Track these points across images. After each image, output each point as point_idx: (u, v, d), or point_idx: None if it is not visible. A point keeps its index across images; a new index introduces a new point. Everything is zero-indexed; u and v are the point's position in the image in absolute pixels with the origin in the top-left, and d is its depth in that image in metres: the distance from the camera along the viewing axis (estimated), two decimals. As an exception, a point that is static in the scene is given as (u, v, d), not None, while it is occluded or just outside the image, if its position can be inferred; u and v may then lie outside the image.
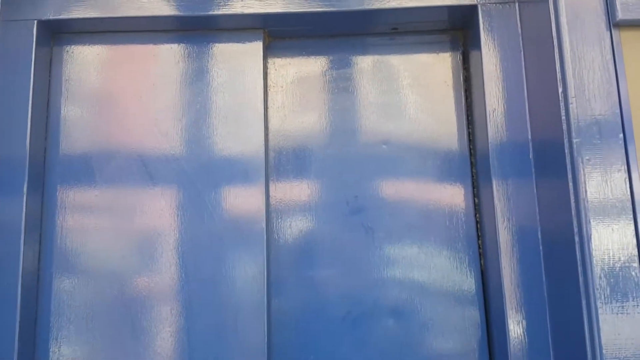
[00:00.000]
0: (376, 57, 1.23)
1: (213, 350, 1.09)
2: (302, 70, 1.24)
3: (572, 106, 0.93)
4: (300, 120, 1.22)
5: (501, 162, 1.07)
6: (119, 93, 1.20)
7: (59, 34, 1.21)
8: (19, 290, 1.05)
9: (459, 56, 1.23)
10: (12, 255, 1.06)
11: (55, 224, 1.15)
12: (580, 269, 0.88)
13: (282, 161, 1.20)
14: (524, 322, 1.02)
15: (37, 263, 1.13)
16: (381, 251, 1.16)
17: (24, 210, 1.08)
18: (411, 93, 1.22)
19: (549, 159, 0.99)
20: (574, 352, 0.92)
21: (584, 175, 0.90)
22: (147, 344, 1.10)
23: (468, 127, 1.20)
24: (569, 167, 0.92)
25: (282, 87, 1.23)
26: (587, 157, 0.91)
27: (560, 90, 0.94)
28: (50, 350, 1.10)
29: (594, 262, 0.88)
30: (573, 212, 0.90)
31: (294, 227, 1.17)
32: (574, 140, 0.92)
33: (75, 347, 1.11)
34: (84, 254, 1.14)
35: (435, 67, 1.23)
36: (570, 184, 0.91)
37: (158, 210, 1.15)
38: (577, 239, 0.90)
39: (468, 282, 1.14)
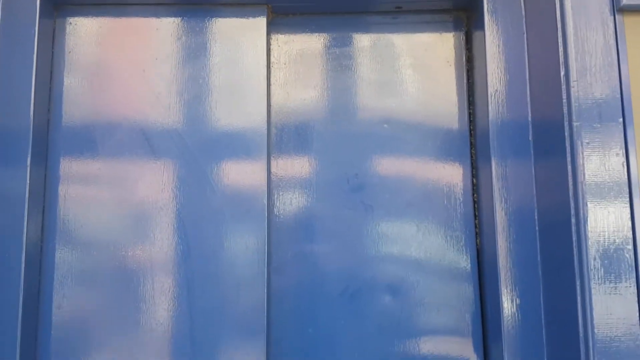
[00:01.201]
0: (379, 36, 1.24)
1: (213, 322, 1.11)
2: (305, 47, 1.24)
3: (574, 89, 0.94)
4: (303, 97, 1.22)
5: (501, 143, 1.08)
6: (121, 66, 1.20)
7: (62, 5, 1.21)
8: (23, 260, 1.06)
9: (462, 36, 1.23)
10: (16, 225, 1.07)
11: (58, 195, 1.16)
12: (575, 249, 0.91)
13: (283, 138, 1.21)
14: (518, 300, 1.04)
15: (41, 233, 1.14)
16: (380, 228, 1.18)
17: (28, 181, 1.08)
18: (413, 72, 1.22)
19: (549, 141, 1.00)
20: (566, 330, 0.94)
21: (583, 157, 0.92)
22: (148, 314, 1.12)
23: (469, 108, 1.21)
24: (568, 149, 0.93)
25: (285, 63, 1.23)
26: (587, 140, 0.92)
27: (562, 73, 0.95)
28: (53, 318, 1.12)
29: (589, 243, 0.90)
30: (570, 194, 0.92)
31: (294, 203, 1.19)
32: (574, 123, 0.93)
33: (78, 316, 1.12)
34: (86, 225, 1.15)
35: (438, 47, 1.23)
36: (569, 166, 0.93)
37: (160, 183, 1.16)
38: (573, 220, 0.91)
39: (464, 260, 1.16)
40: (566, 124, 0.94)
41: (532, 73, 1.07)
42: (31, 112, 1.10)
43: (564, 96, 0.95)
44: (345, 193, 1.19)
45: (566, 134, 0.93)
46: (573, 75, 0.94)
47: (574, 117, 0.93)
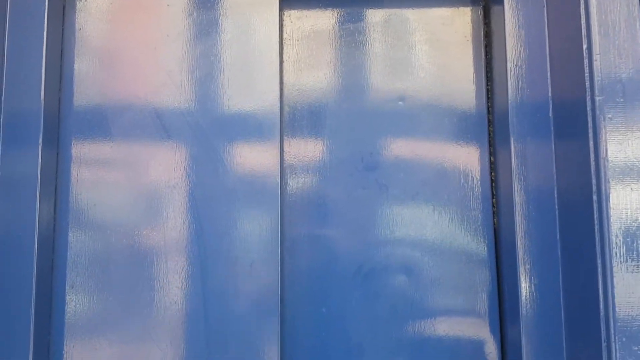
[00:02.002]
0: (394, 11, 1.21)
1: (227, 302, 1.10)
2: (318, 24, 1.21)
3: (597, 63, 0.91)
4: (316, 74, 1.20)
5: (520, 120, 1.05)
6: (132, 43, 1.18)
7: (71, -18, 1.19)
8: (36, 241, 1.06)
9: (479, 11, 1.20)
10: (29, 207, 1.07)
11: (70, 175, 1.15)
12: (597, 227, 0.88)
13: (296, 116, 1.19)
14: (536, 280, 1.02)
15: (54, 213, 1.14)
16: (394, 208, 1.16)
17: (40, 162, 1.08)
18: (429, 48, 1.19)
19: (570, 117, 0.97)
20: (586, 310, 0.92)
21: (605, 133, 0.89)
22: (161, 293, 1.11)
23: (487, 84, 1.18)
24: (590, 125, 0.90)
25: (297, 40, 1.21)
26: (610, 116, 0.89)
27: (584, 46, 0.92)
28: (67, 298, 1.12)
29: (611, 221, 0.87)
30: (592, 171, 0.89)
31: (308, 183, 1.17)
32: (597, 98, 0.90)
33: (91, 296, 1.12)
34: (99, 204, 1.14)
35: (455, 22, 1.20)
36: (591, 142, 0.90)
37: (172, 162, 1.15)
38: (595, 197, 0.89)
39: (481, 240, 1.14)
40: (589, 99, 0.91)
41: (552, 47, 1.04)
42: (42, 92, 1.09)
43: (586, 71, 0.92)
44: (359, 172, 1.17)
45: (588, 109, 0.91)
46: (596, 48, 0.91)
47: (596, 92, 0.90)
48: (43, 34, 1.10)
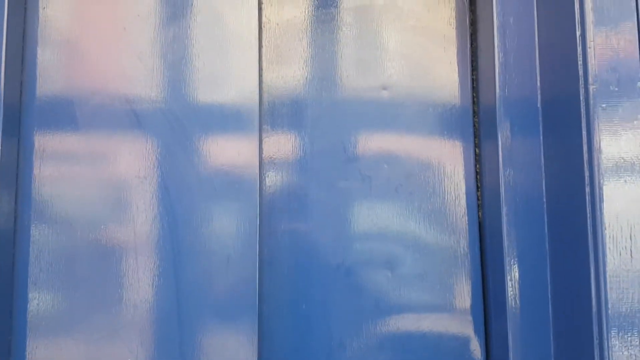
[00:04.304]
0: (377, -4, 1.16)
1: (202, 299, 1.05)
2: (299, 6, 1.16)
3: (590, 51, 0.88)
4: (296, 60, 1.14)
5: (507, 111, 1.02)
6: (100, 23, 1.11)
7: (34, -44, 1.11)
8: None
9: (465, -4, 1.16)
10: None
11: (33, 166, 1.08)
12: (589, 220, 0.86)
13: (276, 104, 1.14)
14: (523, 275, 1.00)
15: (14, 207, 1.06)
16: (377, 200, 1.12)
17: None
18: (414, 35, 1.15)
19: (560, 108, 0.95)
20: (576, 306, 0.90)
21: (599, 124, 0.87)
22: (131, 290, 1.05)
23: (472, 73, 1.14)
24: (583, 115, 0.88)
25: (277, 24, 1.15)
26: (603, 106, 0.87)
27: (578, 33, 0.89)
28: (29, 295, 1.05)
29: (605, 213, 0.85)
30: (585, 163, 0.87)
31: (288, 174, 1.12)
32: (590, 87, 0.87)
33: (56, 293, 1.05)
34: (64, 197, 1.07)
35: (439, 8, 1.16)
36: (584, 133, 0.87)
37: (143, 152, 1.08)
38: (588, 189, 0.86)
39: (465, 233, 1.11)
40: (582, 88, 0.88)
41: (541, 34, 1.01)
42: (1, 79, 1.00)
43: (580, 59, 0.89)
44: (341, 163, 1.12)
45: (581, 98, 0.88)
46: (590, 35, 0.88)
47: (590, 81, 0.87)
48: (3, 11, 1.02)
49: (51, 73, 1.09)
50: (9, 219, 1.05)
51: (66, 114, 1.09)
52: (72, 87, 1.10)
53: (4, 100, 1.01)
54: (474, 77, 1.14)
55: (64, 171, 1.08)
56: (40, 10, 1.11)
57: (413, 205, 1.12)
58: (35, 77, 1.09)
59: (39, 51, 1.10)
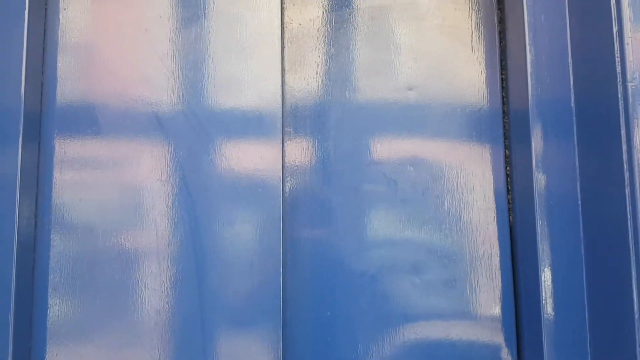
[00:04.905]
0: (402, -5, 1.14)
1: (226, 304, 1.02)
2: (322, 6, 1.14)
3: (629, 47, 0.84)
4: (319, 61, 1.12)
5: (539, 111, 0.99)
6: (121, 25, 1.09)
7: (55, -41, 1.10)
8: (15, 241, 0.97)
9: (494, -6, 1.13)
10: (8, 205, 0.98)
11: (53, 172, 1.06)
12: (630, 222, 0.82)
13: (299, 106, 1.11)
14: (558, 281, 0.96)
15: (35, 213, 1.05)
16: (403, 204, 1.09)
17: (20, 160, 0.99)
18: (440, 34, 1.12)
19: (596, 106, 0.91)
20: (615, 313, 0.86)
21: (639, 122, 0.83)
22: (153, 296, 1.03)
23: (501, 72, 1.11)
24: (621, 113, 0.84)
25: (300, 24, 1.13)
26: (644, 103, 0.83)
27: (615, 30, 0.86)
28: (49, 301, 1.04)
29: (647, 216, 0.81)
30: (624, 163, 0.83)
31: (311, 177, 1.10)
32: (629, 85, 0.84)
33: (76, 299, 1.04)
34: (84, 202, 1.06)
35: (467, 7, 1.13)
36: (623, 132, 0.84)
37: (166, 156, 1.06)
38: (627, 191, 0.83)
39: (496, 238, 1.08)
40: (620, 85, 0.84)
41: (574, 31, 0.98)
42: (22, 85, 0.99)
43: (617, 55, 0.85)
44: (366, 166, 1.10)
45: (619, 96, 0.84)
46: (627, 31, 0.85)
47: (628, 78, 0.84)
48: (24, 13, 1.00)
49: (72, 76, 1.08)
50: (30, 224, 1.03)
51: (87, 118, 1.08)
52: (92, 91, 1.08)
53: (24, 104, 1.00)
54: (503, 76, 1.11)
55: (84, 176, 1.07)
56: (61, 11, 1.09)
57: (440, 209, 1.08)
58: (56, 81, 1.08)
59: (60, 53, 1.09)
